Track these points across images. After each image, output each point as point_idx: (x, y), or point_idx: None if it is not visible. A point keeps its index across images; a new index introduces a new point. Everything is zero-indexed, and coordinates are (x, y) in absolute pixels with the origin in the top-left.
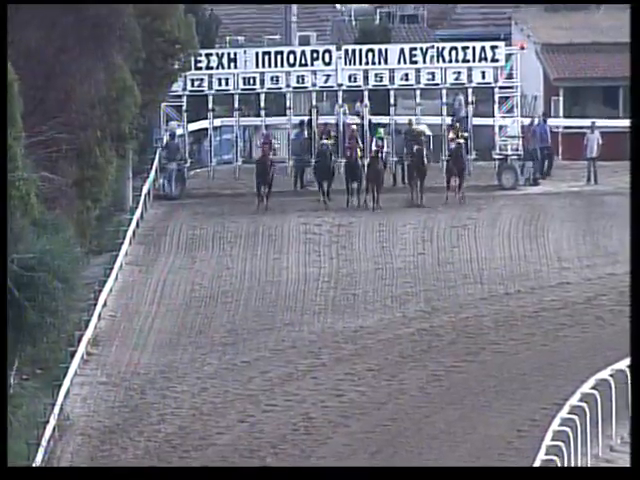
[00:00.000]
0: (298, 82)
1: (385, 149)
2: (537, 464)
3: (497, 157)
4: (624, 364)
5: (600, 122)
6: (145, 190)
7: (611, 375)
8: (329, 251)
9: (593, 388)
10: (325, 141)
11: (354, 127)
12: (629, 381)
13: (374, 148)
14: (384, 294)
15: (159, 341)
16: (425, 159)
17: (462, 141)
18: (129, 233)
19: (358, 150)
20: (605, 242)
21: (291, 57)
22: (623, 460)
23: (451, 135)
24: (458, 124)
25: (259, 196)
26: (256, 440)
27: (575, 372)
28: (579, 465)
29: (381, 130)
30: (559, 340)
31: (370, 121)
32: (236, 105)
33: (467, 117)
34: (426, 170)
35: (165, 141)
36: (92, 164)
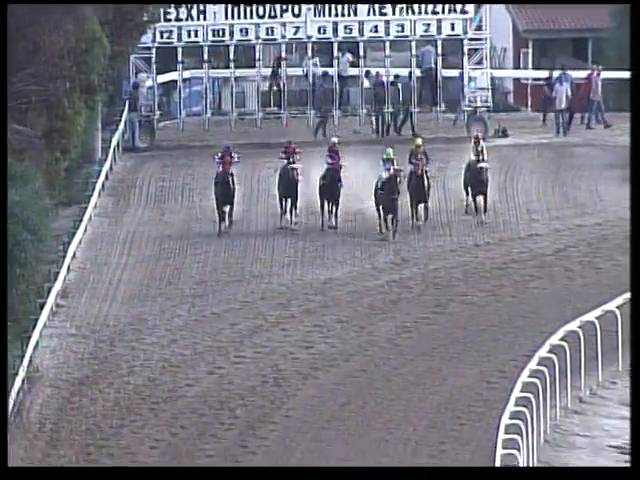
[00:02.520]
0: (267, 34)
1: (402, 173)
2: (506, 416)
3: (466, 109)
4: (593, 315)
5: (569, 74)
6: (114, 142)
7: (580, 326)
8: (298, 202)
9: (562, 339)
10: (294, 165)
11: (335, 140)
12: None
13: (384, 175)
14: (353, 246)
15: (128, 293)
16: (425, 181)
17: (485, 165)
18: (98, 185)
19: (339, 167)
20: (574, 193)
21: (260, 9)
22: (592, 412)
23: (472, 156)
24: (481, 136)
25: (221, 218)
26: (225, 392)
27: (544, 324)
28: (548, 418)
29: (390, 151)
30: (528, 292)
31: (340, 74)
32: (205, 57)
33: (435, 68)
34: (427, 195)
35: (127, 93)
36: (61, 115)
